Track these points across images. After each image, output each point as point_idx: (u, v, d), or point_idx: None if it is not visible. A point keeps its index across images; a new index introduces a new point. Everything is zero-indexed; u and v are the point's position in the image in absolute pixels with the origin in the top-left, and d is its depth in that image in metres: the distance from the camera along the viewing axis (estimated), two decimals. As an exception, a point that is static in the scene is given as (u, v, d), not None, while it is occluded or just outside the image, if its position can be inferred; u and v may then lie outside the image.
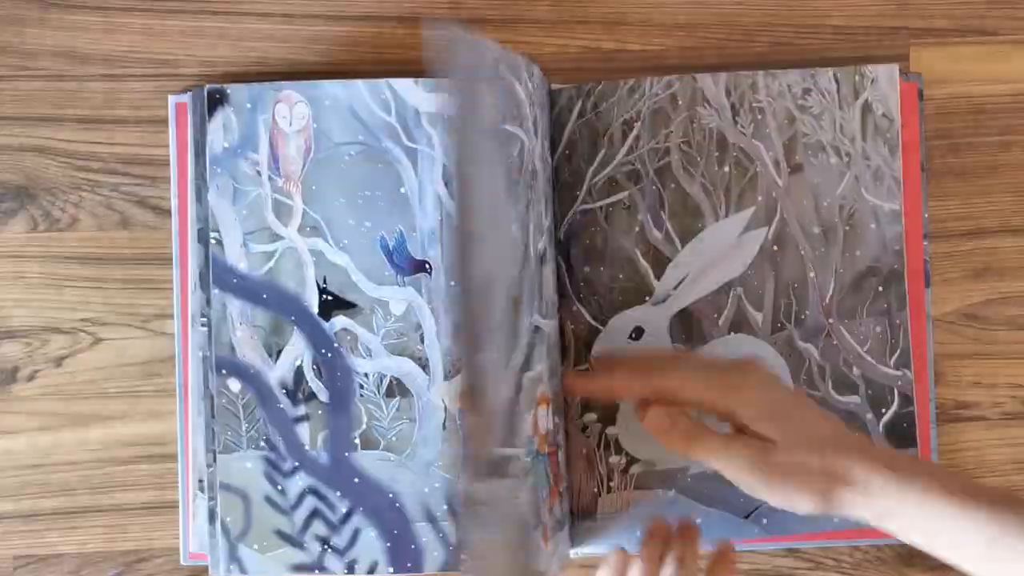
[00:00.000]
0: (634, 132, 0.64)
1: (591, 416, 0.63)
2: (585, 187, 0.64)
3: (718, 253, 0.64)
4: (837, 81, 0.64)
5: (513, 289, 0.56)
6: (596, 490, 0.63)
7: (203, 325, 0.62)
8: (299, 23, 0.66)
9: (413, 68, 0.65)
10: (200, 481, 0.62)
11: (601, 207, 0.64)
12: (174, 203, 0.64)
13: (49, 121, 0.65)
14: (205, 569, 0.63)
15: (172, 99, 0.64)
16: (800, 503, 0.52)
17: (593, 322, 0.63)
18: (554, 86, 0.64)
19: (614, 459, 0.63)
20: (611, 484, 0.63)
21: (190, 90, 0.64)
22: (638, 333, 0.63)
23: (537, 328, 0.58)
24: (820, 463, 0.52)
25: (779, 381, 0.58)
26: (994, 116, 0.66)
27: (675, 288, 0.63)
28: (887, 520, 0.51)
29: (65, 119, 0.65)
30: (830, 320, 0.64)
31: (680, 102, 0.64)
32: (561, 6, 0.66)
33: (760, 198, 0.64)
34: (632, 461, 0.63)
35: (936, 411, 0.65)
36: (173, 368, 0.64)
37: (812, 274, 0.64)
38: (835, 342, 0.64)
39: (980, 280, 0.67)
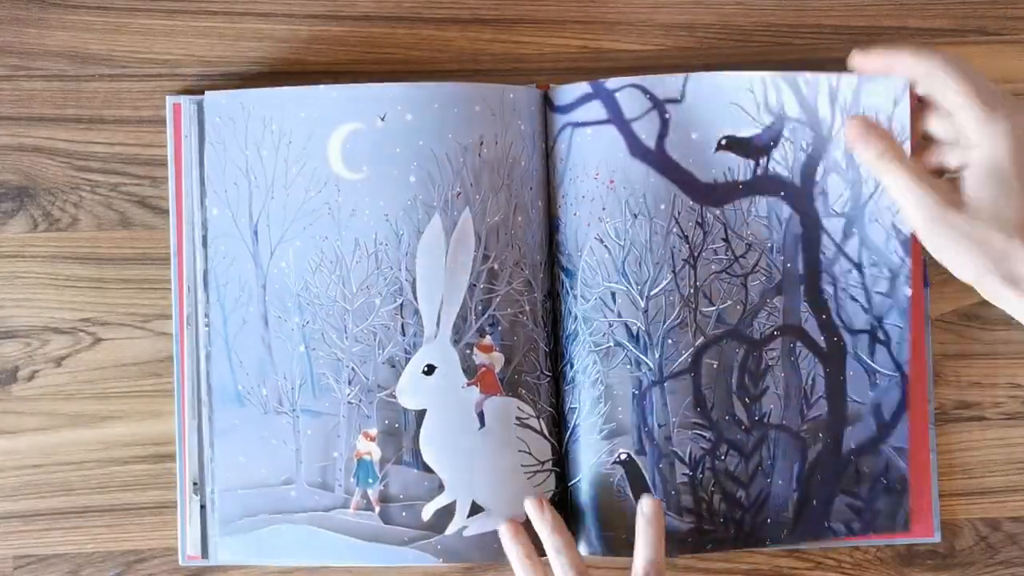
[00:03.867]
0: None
1: None
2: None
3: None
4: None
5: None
6: None
7: (206, 325, 0.62)
8: (299, 23, 0.66)
9: (413, 68, 0.65)
10: (195, 484, 0.62)
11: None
12: (172, 204, 0.64)
13: (49, 121, 0.65)
14: (203, 570, 0.63)
15: (169, 100, 0.64)
16: (962, 271, 0.53)
17: None
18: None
19: None
20: None
21: (188, 92, 0.64)
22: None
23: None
24: (1003, 247, 0.51)
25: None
26: (994, 116, 0.66)
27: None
28: None
29: (65, 119, 0.65)
30: None
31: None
32: (561, 6, 0.66)
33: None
34: None
35: (935, 411, 0.65)
36: (172, 368, 0.64)
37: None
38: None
39: (980, 280, 0.66)
